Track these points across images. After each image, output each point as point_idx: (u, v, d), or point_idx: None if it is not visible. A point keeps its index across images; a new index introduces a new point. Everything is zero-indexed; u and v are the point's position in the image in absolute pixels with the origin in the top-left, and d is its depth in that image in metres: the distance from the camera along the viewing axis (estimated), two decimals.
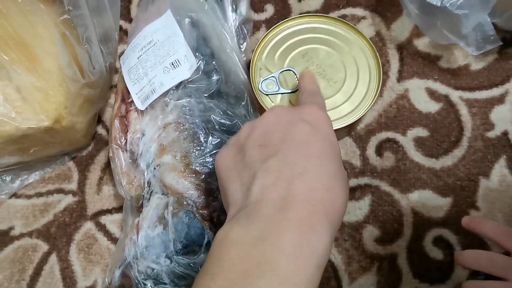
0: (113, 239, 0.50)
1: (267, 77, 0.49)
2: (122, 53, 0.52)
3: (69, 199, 0.52)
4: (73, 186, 0.52)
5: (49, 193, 0.52)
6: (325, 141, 0.33)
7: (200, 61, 0.46)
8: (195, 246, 0.42)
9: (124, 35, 0.59)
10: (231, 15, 0.53)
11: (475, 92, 0.53)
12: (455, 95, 0.53)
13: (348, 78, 0.49)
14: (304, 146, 0.32)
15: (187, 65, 0.46)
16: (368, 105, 0.47)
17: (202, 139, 0.45)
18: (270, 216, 0.28)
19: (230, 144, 0.36)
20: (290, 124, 0.34)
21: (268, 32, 0.51)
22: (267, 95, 0.49)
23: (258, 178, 0.31)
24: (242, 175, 0.32)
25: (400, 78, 0.54)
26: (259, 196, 0.30)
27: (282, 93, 0.49)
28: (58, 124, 0.45)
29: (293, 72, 0.49)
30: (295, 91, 0.49)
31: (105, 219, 0.51)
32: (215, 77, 0.47)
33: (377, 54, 0.49)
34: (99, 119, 0.55)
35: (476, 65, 0.54)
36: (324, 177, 0.31)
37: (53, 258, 0.50)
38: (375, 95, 0.48)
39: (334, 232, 0.30)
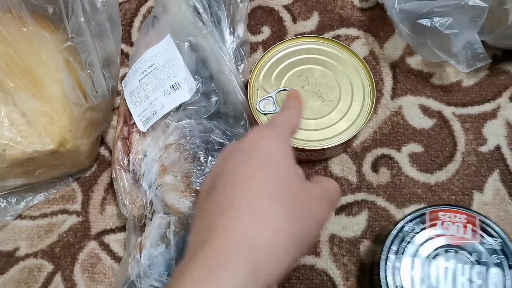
0: (117, 258, 0.51)
1: (264, 97, 0.51)
2: (124, 76, 0.54)
3: (73, 219, 0.53)
4: (77, 206, 0.53)
5: (54, 213, 0.53)
6: (262, 168, 0.30)
7: (200, 83, 0.48)
8: None
9: (125, 58, 0.60)
10: (228, 38, 0.55)
11: (468, 108, 0.55)
12: (448, 111, 0.54)
13: (343, 96, 0.50)
14: (232, 176, 0.30)
15: (187, 88, 0.48)
16: (363, 122, 0.49)
17: (202, 159, 0.46)
18: (191, 252, 0.28)
19: None
20: (228, 155, 0.33)
21: (265, 54, 0.53)
22: (264, 114, 0.50)
23: (196, 215, 0.31)
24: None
25: (393, 96, 0.56)
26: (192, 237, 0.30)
27: None
28: (63, 147, 0.47)
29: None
30: None
31: (108, 239, 0.52)
32: (214, 99, 0.48)
33: (370, 73, 0.51)
34: (102, 141, 0.56)
35: (468, 81, 0.56)
36: (244, 213, 0.28)
37: (58, 278, 0.51)
38: (370, 112, 0.49)
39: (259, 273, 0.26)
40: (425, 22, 0.50)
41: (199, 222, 0.30)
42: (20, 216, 0.53)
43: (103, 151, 0.56)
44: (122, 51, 0.60)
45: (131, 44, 0.61)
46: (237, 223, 0.27)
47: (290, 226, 0.28)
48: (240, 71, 0.55)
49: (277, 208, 0.28)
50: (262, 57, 0.53)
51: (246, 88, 0.52)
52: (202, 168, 0.46)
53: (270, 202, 0.29)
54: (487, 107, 0.55)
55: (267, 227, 0.28)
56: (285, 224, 0.28)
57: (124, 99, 0.52)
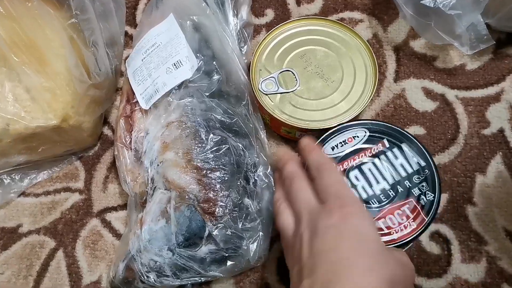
0: (118, 235, 0.51)
1: (267, 77, 0.51)
2: (128, 57, 0.54)
3: (76, 197, 0.53)
4: (80, 184, 0.54)
5: (57, 191, 0.54)
6: (361, 246, 0.34)
7: (201, 61, 0.48)
8: (196, 239, 0.43)
9: (130, 40, 0.61)
10: (232, 20, 0.55)
11: (471, 91, 0.54)
12: (451, 94, 0.54)
13: (345, 77, 0.50)
14: (331, 254, 0.34)
15: (189, 65, 0.48)
16: (365, 103, 0.49)
17: (203, 136, 0.46)
18: None
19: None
20: (317, 232, 0.35)
21: (268, 34, 0.53)
22: (266, 94, 0.50)
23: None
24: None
25: (397, 78, 0.56)
26: None
27: (281, 93, 0.50)
28: (66, 123, 0.47)
29: (292, 72, 0.51)
30: (293, 90, 0.50)
31: (110, 216, 0.52)
32: (215, 77, 0.49)
33: (373, 54, 0.51)
34: (105, 121, 0.57)
35: (472, 65, 0.56)
36: (357, 276, 0.32)
37: (60, 254, 0.51)
38: (372, 94, 0.49)
39: None
40: (428, 2, 0.49)
41: None
42: (24, 193, 0.54)
43: (106, 130, 0.56)
44: (126, 32, 0.60)
45: (135, 26, 0.62)
46: None
47: None
48: (243, 52, 0.55)
49: (381, 282, 0.32)
50: (265, 37, 0.53)
51: (249, 69, 0.52)
52: (203, 145, 0.46)
53: (375, 279, 0.32)
54: (491, 90, 0.54)
55: None
56: None
57: (127, 78, 0.52)
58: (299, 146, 0.43)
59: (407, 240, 0.41)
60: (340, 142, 0.45)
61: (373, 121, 0.45)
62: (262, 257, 0.46)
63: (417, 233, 0.41)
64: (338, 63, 0.51)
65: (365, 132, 0.45)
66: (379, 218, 0.42)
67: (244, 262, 0.45)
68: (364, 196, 0.43)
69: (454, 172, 0.51)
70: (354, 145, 0.45)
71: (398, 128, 0.45)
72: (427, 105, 0.54)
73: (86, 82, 0.48)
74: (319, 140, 0.45)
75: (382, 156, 0.44)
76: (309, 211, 0.37)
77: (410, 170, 0.43)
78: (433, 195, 0.42)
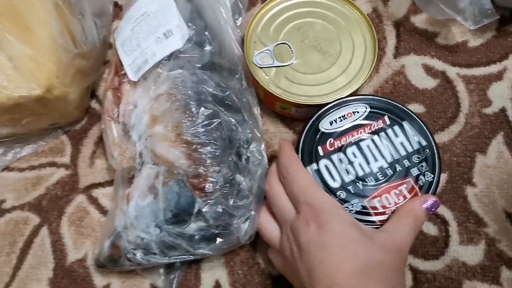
0: (105, 212, 0.50)
1: (262, 50, 0.49)
2: (117, 27, 0.52)
3: (61, 173, 0.51)
4: (66, 159, 0.52)
5: (42, 166, 0.52)
6: (347, 255, 0.35)
7: (193, 31, 0.46)
8: (185, 215, 0.42)
9: (120, 11, 0.58)
10: None
11: (473, 69, 0.53)
12: (452, 72, 0.52)
13: (344, 51, 0.48)
14: (323, 268, 0.35)
15: (180, 35, 0.46)
16: (364, 78, 0.47)
17: (194, 110, 0.44)
18: None
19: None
20: (300, 250, 0.37)
21: (264, 5, 0.51)
22: (261, 68, 0.48)
23: None
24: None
25: (396, 54, 0.54)
26: None
27: (276, 66, 0.48)
28: (50, 94, 0.45)
29: (288, 45, 0.49)
30: (289, 64, 0.48)
31: (97, 192, 0.50)
32: (208, 48, 0.46)
33: (373, 28, 0.48)
34: (93, 94, 0.54)
35: (474, 42, 0.54)
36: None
37: (44, 231, 0.49)
38: (371, 69, 0.47)
39: None
40: None
41: None
42: (8, 168, 0.52)
43: (94, 104, 0.54)
44: (116, 3, 0.58)
45: None
46: None
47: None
48: (238, 24, 0.53)
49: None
50: (261, 8, 0.50)
51: (243, 41, 0.50)
52: (193, 118, 0.44)
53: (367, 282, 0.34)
54: (493, 68, 0.52)
55: None
56: None
57: (116, 49, 0.50)
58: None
59: None
60: (340, 117, 0.43)
61: (375, 97, 0.43)
62: (253, 236, 0.44)
63: None
64: (336, 37, 0.49)
65: (366, 108, 0.43)
66: (374, 197, 0.40)
67: (234, 240, 0.43)
68: (361, 173, 0.41)
69: (454, 152, 0.49)
70: (353, 121, 0.43)
71: (400, 105, 0.43)
72: (427, 83, 0.52)
73: (72, 51, 0.46)
74: (317, 114, 0.44)
75: (382, 134, 0.42)
76: (288, 222, 0.39)
77: (410, 149, 0.41)
78: (432, 176, 0.41)
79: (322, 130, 0.43)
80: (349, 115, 0.43)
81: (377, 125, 0.42)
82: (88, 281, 0.47)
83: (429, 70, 0.53)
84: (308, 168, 0.42)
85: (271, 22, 0.50)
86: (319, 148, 0.42)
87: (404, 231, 0.37)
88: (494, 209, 0.47)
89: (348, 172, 0.41)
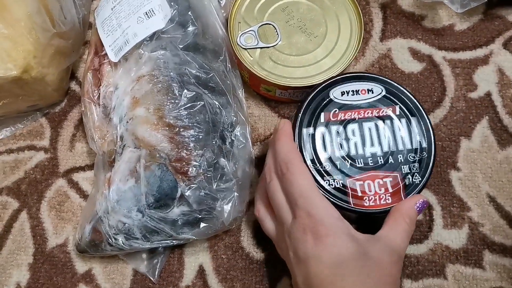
0: (86, 196, 0.49)
1: (246, 30, 0.48)
2: (97, 7, 0.50)
3: (40, 156, 0.50)
4: (45, 142, 0.51)
5: (20, 149, 0.50)
6: (333, 262, 0.35)
7: (176, 11, 0.45)
8: (167, 200, 0.41)
9: None
10: None
11: (459, 53, 0.52)
12: (439, 55, 0.52)
13: (329, 33, 0.48)
14: (319, 281, 0.35)
15: (162, 15, 0.44)
16: (349, 60, 0.46)
17: (176, 92, 0.43)
18: None
19: None
20: (298, 260, 0.36)
21: None
22: (245, 49, 0.47)
23: None
24: None
25: (383, 38, 0.53)
26: None
27: (261, 47, 0.47)
28: (27, 74, 0.44)
29: (273, 26, 0.48)
30: (274, 45, 0.47)
31: (77, 176, 0.49)
32: (191, 28, 0.45)
33: (359, 9, 0.48)
34: (72, 75, 0.53)
35: (461, 26, 0.53)
36: None
37: (24, 215, 0.48)
38: (356, 50, 0.46)
39: None
40: None
41: None
42: None
43: (74, 86, 0.53)
44: None
45: None
46: None
47: None
48: (222, 5, 0.52)
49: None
50: None
51: (227, 22, 0.49)
52: (176, 101, 0.43)
53: None
54: (479, 52, 0.52)
55: None
56: None
57: (96, 29, 0.48)
58: (276, 126, 0.41)
59: (374, 212, 0.39)
60: (353, 91, 0.42)
61: (394, 82, 0.42)
62: (238, 219, 0.44)
63: (387, 209, 0.39)
64: (322, 18, 0.48)
65: (382, 90, 0.42)
66: (357, 180, 0.40)
67: (219, 224, 0.42)
68: (353, 152, 0.40)
69: (439, 136, 0.49)
70: (365, 99, 0.41)
71: (415, 100, 0.42)
72: (414, 66, 0.52)
73: (50, 30, 0.44)
74: (332, 79, 0.42)
75: (388, 122, 0.41)
76: (285, 225, 0.38)
77: (408, 146, 0.41)
78: (420, 179, 0.40)
79: (332, 97, 0.41)
80: (363, 92, 0.42)
81: (386, 112, 0.41)
82: (69, 267, 0.46)
83: (415, 53, 0.52)
84: (304, 130, 0.41)
85: (255, 2, 0.49)
86: (322, 114, 0.41)
87: (400, 238, 0.37)
88: (478, 193, 0.47)
89: (341, 147, 0.40)
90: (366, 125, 0.41)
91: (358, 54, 0.52)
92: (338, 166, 0.40)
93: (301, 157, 0.39)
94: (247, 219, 0.47)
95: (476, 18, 0.53)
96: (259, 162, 0.48)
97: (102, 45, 0.47)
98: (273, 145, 0.40)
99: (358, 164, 0.40)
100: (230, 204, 0.41)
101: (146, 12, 0.45)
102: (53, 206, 0.48)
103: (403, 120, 0.41)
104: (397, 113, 0.41)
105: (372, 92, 0.42)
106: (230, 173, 0.43)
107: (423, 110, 0.42)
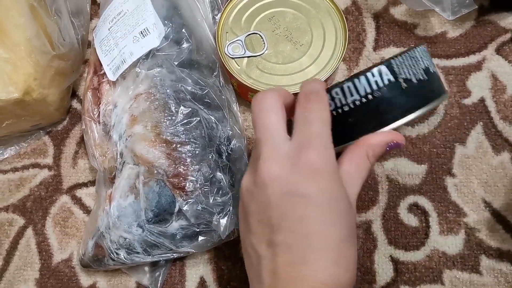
0: (89, 212, 0.50)
1: (233, 40, 0.49)
2: (95, 27, 0.51)
3: (44, 173, 0.52)
4: (49, 160, 0.52)
5: (25, 167, 0.52)
6: (324, 210, 0.30)
7: (169, 29, 0.46)
8: (166, 214, 0.42)
9: (98, 9, 0.58)
10: None
11: (452, 60, 0.53)
12: None
13: (315, 41, 0.49)
14: (300, 225, 0.30)
15: (156, 33, 0.46)
16: (333, 67, 0.47)
17: (173, 108, 0.44)
18: None
19: (241, 201, 0.34)
20: (285, 197, 0.31)
21: None
22: (233, 58, 0.48)
23: (263, 266, 0.31)
24: (250, 250, 0.33)
25: (376, 47, 0.54)
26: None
27: (248, 57, 0.48)
28: (29, 96, 0.45)
29: (260, 35, 0.49)
30: (261, 54, 0.48)
31: (80, 192, 0.51)
32: (185, 45, 0.46)
33: (344, 17, 0.49)
34: (73, 93, 0.54)
35: (453, 33, 0.54)
36: (327, 258, 0.30)
37: (29, 232, 0.50)
38: (341, 58, 0.47)
39: None
40: None
41: (268, 267, 0.31)
42: None
43: (75, 104, 0.54)
44: (94, 1, 0.57)
45: None
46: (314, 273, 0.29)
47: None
48: (217, 20, 0.53)
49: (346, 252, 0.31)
50: None
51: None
52: (172, 118, 0.44)
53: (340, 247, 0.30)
54: (472, 59, 0.53)
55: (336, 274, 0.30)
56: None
57: (95, 48, 0.50)
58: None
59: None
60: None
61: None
62: (235, 231, 0.44)
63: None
64: (307, 26, 0.49)
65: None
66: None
67: (217, 237, 0.43)
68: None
69: (434, 143, 0.50)
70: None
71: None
72: None
73: (49, 52, 0.46)
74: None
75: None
76: (277, 145, 0.32)
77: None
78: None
79: None
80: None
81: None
82: (74, 281, 0.48)
83: None
84: None
85: (242, 12, 0.50)
86: None
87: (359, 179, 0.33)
88: (474, 199, 0.48)
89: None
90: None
91: (352, 64, 0.53)
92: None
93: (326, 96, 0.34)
94: None
95: (468, 24, 0.54)
96: None
97: (101, 65, 0.48)
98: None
99: None
100: (226, 218, 0.42)
101: (141, 31, 0.46)
102: (57, 222, 0.50)
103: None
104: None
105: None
106: (227, 186, 0.44)
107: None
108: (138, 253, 0.43)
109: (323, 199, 0.30)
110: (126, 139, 0.45)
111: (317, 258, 0.30)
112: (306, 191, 0.30)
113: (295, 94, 0.43)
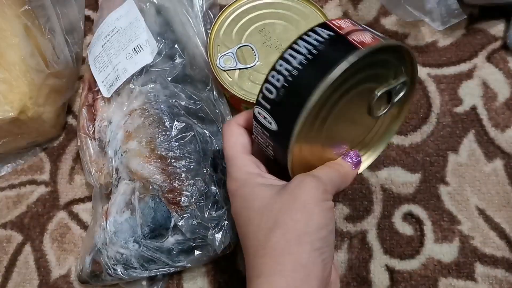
0: (86, 227, 0.50)
1: (225, 53, 0.49)
2: (90, 43, 0.52)
3: (41, 190, 0.52)
4: (45, 176, 0.52)
5: (22, 184, 0.52)
6: (304, 213, 0.32)
7: (162, 45, 0.47)
8: (162, 230, 0.42)
9: (92, 25, 0.59)
10: (197, 1, 0.53)
11: (443, 68, 0.53)
12: (423, 72, 0.53)
13: None
14: (276, 217, 0.32)
15: (149, 50, 0.46)
16: None
17: (167, 124, 0.45)
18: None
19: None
20: (274, 196, 0.33)
21: (226, 8, 0.51)
22: (225, 70, 0.49)
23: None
24: None
25: None
26: None
27: (239, 69, 0.49)
28: (24, 115, 0.46)
29: (251, 47, 0.49)
30: (252, 66, 0.49)
31: (77, 208, 0.51)
32: (178, 60, 0.47)
33: None
34: (69, 110, 0.55)
35: (444, 41, 0.54)
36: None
37: (28, 248, 0.50)
38: None
39: None
40: None
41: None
42: None
43: (71, 120, 0.55)
44: (88, 17, 0.58)
45: (97, 10, 0.59)
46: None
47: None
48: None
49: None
50: (222, 11, 0.51)
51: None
52: (167, 133, 0.44)
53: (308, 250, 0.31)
54: (463, 67, 0.53)
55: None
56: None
57: (89, 65, 0.50)
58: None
59: None
60: None
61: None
62: (231, 245, 0.45)
63: None
64: None
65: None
66: None
67: (213, 251, 0.44)
68: None
69: (427, 152, 0.50)
70: None
71: None
72: None
73: (44, 71, 0.46)
74: None
75: None
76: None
77: None
78: None
79: None
80: None
81: None
82: None
83: None
84: None
85: (233, 25, 0.51)
86: None
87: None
88: (467, 207, 0.48)
89: None
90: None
91: None
92: None
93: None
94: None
95: (458, 33, 0.55)
96: None
97: (95, 81, 0.49)
98: None
99: None
100: (221, 233, 0.43)
101: (134, 48, 0.47)
102: (55, 238, 0.50)
103: None
104: None
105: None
106: (222, 200, 0.44)
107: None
108: (135, 268, 0.43)
109: (303, 203, 0.32)
110: (121, 155, 0.45)
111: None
112: (291, 190, 0.32)
113: None
